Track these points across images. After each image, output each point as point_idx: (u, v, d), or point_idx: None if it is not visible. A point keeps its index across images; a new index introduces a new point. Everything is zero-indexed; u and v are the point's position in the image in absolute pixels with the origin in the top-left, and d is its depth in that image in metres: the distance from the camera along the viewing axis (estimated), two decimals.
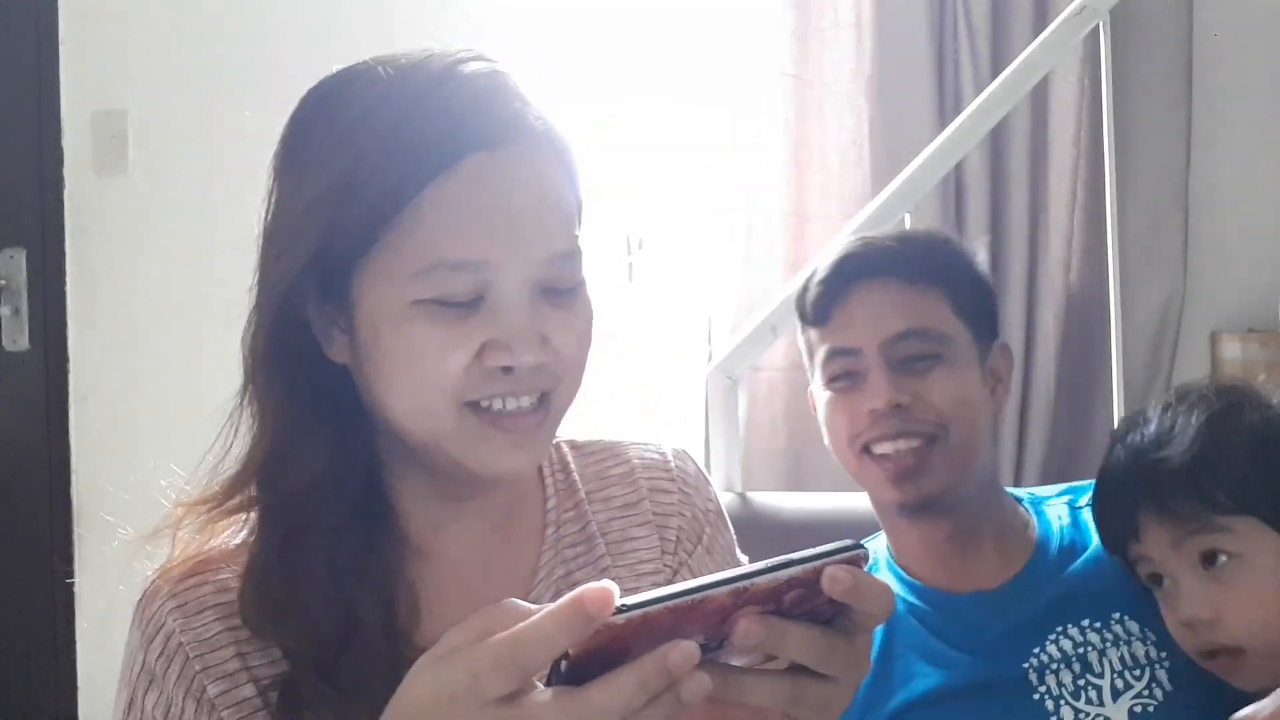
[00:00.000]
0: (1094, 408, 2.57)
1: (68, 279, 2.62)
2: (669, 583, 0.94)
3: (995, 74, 2.28)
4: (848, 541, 0.60)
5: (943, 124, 2.32)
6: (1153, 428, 1.13)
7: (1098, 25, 2.08)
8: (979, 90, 2.29)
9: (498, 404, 0.80)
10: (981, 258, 1.37)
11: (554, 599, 0.90)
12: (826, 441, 1.33)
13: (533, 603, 0.88)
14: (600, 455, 0.98)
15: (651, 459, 0.98)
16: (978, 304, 1.32)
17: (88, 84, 2.62)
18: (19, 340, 2.63)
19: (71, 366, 2.62)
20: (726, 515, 1.01)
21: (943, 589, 1.29)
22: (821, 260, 1.34)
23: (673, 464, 0.99)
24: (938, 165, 2.01)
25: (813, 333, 1.33)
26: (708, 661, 0.59)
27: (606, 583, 0.56)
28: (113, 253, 2.62)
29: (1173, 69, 2.69)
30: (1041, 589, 1.25)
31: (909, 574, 1.31)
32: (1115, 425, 1.23)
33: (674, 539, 0.96)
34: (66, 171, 2.62)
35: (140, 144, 2.62)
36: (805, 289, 1.33)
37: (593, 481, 0.96)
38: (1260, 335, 2.66)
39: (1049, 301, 2.64)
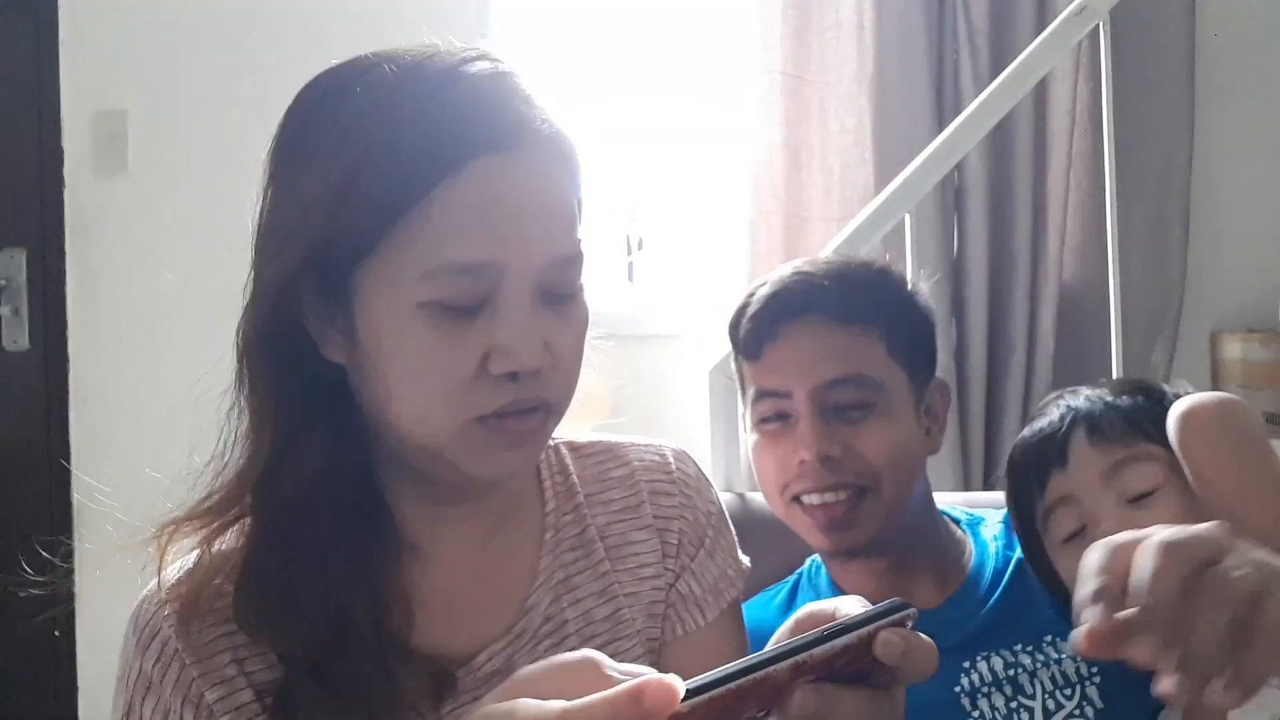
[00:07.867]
0: None
1: (68, 279, 2.61)
2: (670, 586, 0.94)
3: (995, 74, 2.28)
4: (896, 600, 0.61)
5: (943, 124, 2.32)
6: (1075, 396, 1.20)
7: (1098, 25, 2.08)
8: (979, 90, 2.29)
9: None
10: (923, 289, 1.31)
11: (553, 604, 0.90)
12: (756, 480, 1.29)
13: (530, 607, 0.89)
14: (600, 457, 0.97)
15: (652, 461, 0.97)
16: (916, 343, 1.27)
17: (88, 84, 2.61)
18: (19, 340, 2.62)
19: (71, 366, 2.62)
20: (728, 516, 0.99)
21: None
22: (756, 289, 1.28)
23: (674, 466, 0.97)
24: (938, 165, 2.00)
25: (745, 366, 1.28)
26: None
27: (672, 677, 0.52)
28: (113, 253, 2.61)
29: (1173, 69, 2.69)
30: (974, 613, 1.23)
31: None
32: None
33: (675, 543, 0.95)
34: (66, 171, 2.61)
35: (140, 144, 2.62)
36: (739, 319, 1.27)
37: (592, 484, 0.95)
38: (1260, 335, 2.66)
39: (1049, 301, 2.64)
